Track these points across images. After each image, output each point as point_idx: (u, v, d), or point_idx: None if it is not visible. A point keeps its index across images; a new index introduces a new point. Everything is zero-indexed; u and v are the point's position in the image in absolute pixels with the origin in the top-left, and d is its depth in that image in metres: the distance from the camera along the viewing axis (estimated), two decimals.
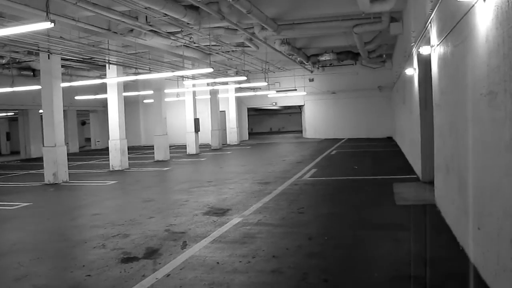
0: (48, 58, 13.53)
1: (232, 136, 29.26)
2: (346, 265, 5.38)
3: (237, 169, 15.54)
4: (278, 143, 29.48)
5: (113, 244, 6.54)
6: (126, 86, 27.96)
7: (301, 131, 41.87)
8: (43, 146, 14.04)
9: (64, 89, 23.09)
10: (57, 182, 13.60)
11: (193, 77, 21.28)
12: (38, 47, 13.17)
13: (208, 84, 23.42)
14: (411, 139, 13.96)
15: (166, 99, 27.19)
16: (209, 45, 17.24)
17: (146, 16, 13.29)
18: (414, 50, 11.22)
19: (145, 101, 29.28)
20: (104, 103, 32.00)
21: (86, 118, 35.66)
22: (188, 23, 13.90)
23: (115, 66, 16.30)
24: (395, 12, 15.18)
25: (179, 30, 15.03)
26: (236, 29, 16.59)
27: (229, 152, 23.21)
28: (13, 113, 28.84)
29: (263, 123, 45.78)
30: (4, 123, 33.39)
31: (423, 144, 10.83)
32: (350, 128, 29.76)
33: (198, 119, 22.69)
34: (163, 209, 9.02)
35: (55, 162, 13.67)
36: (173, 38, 15.56)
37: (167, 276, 5.13)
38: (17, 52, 17.40)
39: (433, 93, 8.42)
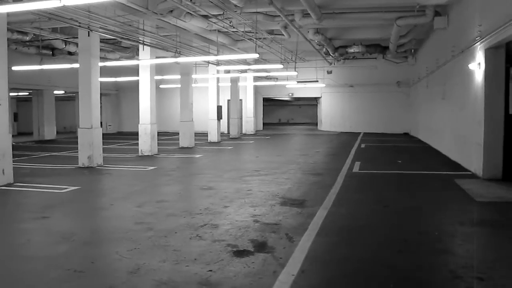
0: (88, 35, 12.85)
1: (249, 126, 28.75)
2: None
3: (275, 159, 15.05)
4: (295, 134, 29.06)
5: (208, 235, 6.02)
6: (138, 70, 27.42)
7: (310, 123, 41.72)
8: (79, 127, 13.40)
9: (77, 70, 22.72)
10: (92, 166, 13.00)
11: (218, 63, 20.72)
12: (79, 23, 12.50)
13: (225, 72, 22.89)
14: (457, 135, 13.56)
15: (175, 86, 26.76)
16: (244, 31, 16.65)
17: None
18: (479, 45, 10.79)
19: (161, 86, 28.58)
20: (117, 87, 31.50)
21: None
22: (236, 5, 13.36)
23: (148, 48, 15.66)
24: (439, 6, 14.78)
25: (221, 13, 14.44)
26: (274, 16, 16.12)
27: (251, 142, 22.71)
28: (27, 93, 28.00)
29: (272, 113, 45.19)
30: (12, 104, 32.49)
31: (486, 142, 10.43)
32: (366, 123, 29.41)
33: (221, 106, 22.15)
34: (232, 198, 8.49)
35: (91, 145, 13.07)
36: (212, 21, 14.98)
37: (302, 272, 4.64)
38: (41, 29, 16.72)
39: None
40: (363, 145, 19.66)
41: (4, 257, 5.26)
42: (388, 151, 17.82)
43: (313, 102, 40.04)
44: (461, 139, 13.12)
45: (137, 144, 17.10)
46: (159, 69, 26.29)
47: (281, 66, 18.42)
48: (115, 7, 13.50)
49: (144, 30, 15.11)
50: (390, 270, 4.78)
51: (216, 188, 9.53)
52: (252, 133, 29.05)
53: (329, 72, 29.25)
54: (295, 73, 21.99)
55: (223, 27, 15.67)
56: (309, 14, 15.41)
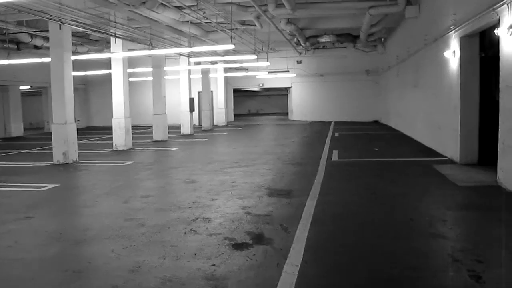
0: (60, 28, 12.47)
1: (220, 117, 28.60)
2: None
3: (252, 150, 15.00)
4: (267, 125, 29.07)
5: (202, 229, 5.95)
6: (107, 64, 26.89)
7: (280, 113, 41.84)
8: (52, 123, 13.03)
9: (44, 65, 22.05)
10: (67, 162, 12.68)
11: (189, 56, 20.52)
12: (50, 15, 12.12)
13: (195, 63, 22.65)
14: (431, 122, 13.82)
15: (145, 78, 26.40)
16: (217, 22, 16.51)
17: None
18: (454, 34, 10.99)
19: (131, 79, 28.03)
20: (84, 81, 30.82)
21: None
22: None
23: (120, 41, 15.33)
24: None
25: (195, 3, 14.25)
26: (248, 6, 16.03)
27: (225, 133, 22.58)
28: None
29: (242, 104, 45.05)
30: None
31: (463, 128, 10.66)
32: (336, 112, 29.68)
33: (193, 98, 21.93)
34: (218, 190, 8.42)
35: (66, 141, 12.74)
36: (185, 12, 14.77)
37: (305, 263, 4.63)
38: (6, 22, 16.14)
39: (503, 75, 8.13)
40: (337, 134, 19.82)
41: None
42: (363, 139, 18.01)
43: (282, 92, 40.13)
44: (435, 126, 13.36)
45: (109, 138, 16.76)
46: (129, 62, 25.93)
47: (254, 56, 18.33)
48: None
49: (115, 22, 14.80)
50: (391, 256, 4.82)
51: (199, 181, 9.44)
52: (224, 124, 28.93)
53: (299, 62, 29.33)
54: (267, 64, 21.97)
55: (196, 18, 15.48)
56: (282, 4, 15.38)
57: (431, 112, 13.90)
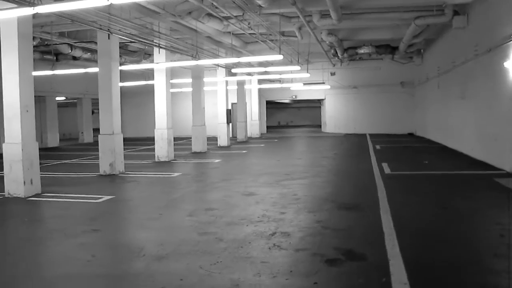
0: (108, 38, 12.42)
1: (254, 129, 28.40)
2: None
3: (297, 162, 14.75)
4: (302, 137, 28.77)
5: (285, 244, 5.66)
6: (141, 75, 26.96)
7: (310, 125, 41.53)
8: (100, 134, 12.92)
9: (80, 76, 22.11)
10: (114, 173, 12.54)
11: (230, 67, 20.40)
12: (100, 25, 12.07)
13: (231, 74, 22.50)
14: (485, 134, 13.37)
15: (181, 90, 26.35)
16: (259, 32, 16.34)
17: None
18: None
19: (172, 90, 28.12)
20: (88, 91, 30.81)
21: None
22: (260, 6, 13.06)
23: (163, 51, 15.24)
24: (458, 5, 14.63)
25: (241, 14, 14.09)
26: (291, 17, 15.86)
27: (262, 145, 22.34)
28: None
29: (271, 116, 44.80)
30: None
31: None
32: (370, 124, 29.27)
33: (230, 110, 21.77)
34: (282, 203, 8.13)
35: (113, 152, 12.60)
36: (231, 21, 14.63)
37: (413, 280, 4.31)
38: (48, 33, 16.21)
39: None
40: (378, 146, 19.40)
41: (78, 275, 4.81)
42: (406, 152, 17.62)
43: (312, 105, 39.86)
44: (489, 138, 12.91)
45: (145, 149, 16.62)
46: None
47: (298, 67, 18.10)
48: (131, 9, 13.16)
49: (159, 32, 14.72)
50: (497, 275, 4.48)
51: (259, 193, 9.17)
52: (258, 136, 28.71)
53: (333, 74, 29.06)
54: (307, 75, 21.72)
55: (240, 29, 15.32)
56: (327, 14, 15.18)
57: (484, 124, 13.44)
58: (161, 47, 14.95)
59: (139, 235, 6.40)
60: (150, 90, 28.83)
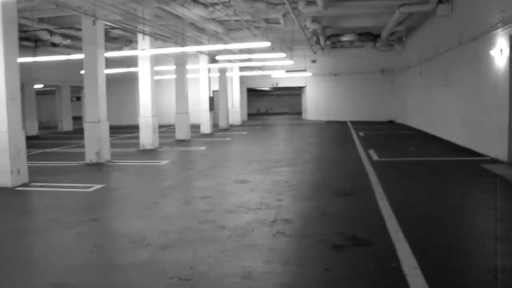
0: (93, 24, 12.16)
1: (236, 117, 28.31)
2: None
3: (283, 149, 14.75)
4: (284, 124, 28.79)
5: (289, 231, 5.65)
6: (121, 62, 26.51)
7: (290, 113, 41.60)
8: (84, 121, 12.70)
9: (58, 63, 21.58)
10: (100, 162, 12.35)
11: (208, 54, 20.24)
12: (85, 11, 11.79)
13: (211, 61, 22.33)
14: (468, 121, 13.55)
15: (162, 77, 26.03)
16: (244, 20, 16.21)
17: None
18: (502, 32, 10.75)
19: (157, 77, 27.76)
20: (67, 79, 30.23)
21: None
22: None
23: (148, 38, 15.00)
24: None
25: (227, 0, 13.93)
26: (276, 4, 15.76)
27: (245, 133, 22.28)
28: None
29: (251, 104, 44.63)
30: None
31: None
32: (351, 111, 29.45)
33: (212, 97, 21.63)
34: (277, 191, 8.12)
35: (99, 140, 12.40)
36: (216, 8, 14.46)
37: (423, 264, 4.35)
38: (28, 19, 15.78)
39: None
40: (361, 133, 19.53)
41: (84, 266, 4.71)
42: (390, 139, 17.83)
43: (292, 92, 39.89)
44: (473, 125, 13.10)
45: (129, 137, 16.40)
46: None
47: (284, 55, 18.04)
48: None
49: (144, 18, 14.47)
50: (502, 259, 4.56)
51: (251, 181, 9.15)
52: (239, 124, 28.65)
53: (314, 61, 29.07)
54: (291, 62, 21.68)
55: (226, 15, 15.16)
56: (313, 1, 15.15)
57: (468, 111, 13.63)
58: (145, 34, 14.72)
59: (137, 224, 6.30)
60: (129, 77, 28.63)
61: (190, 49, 15.29)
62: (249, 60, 23.73)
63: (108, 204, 7.70)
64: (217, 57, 19.33)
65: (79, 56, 17.07)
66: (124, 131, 23.04)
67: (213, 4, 13.77)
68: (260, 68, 28.09)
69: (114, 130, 23.52)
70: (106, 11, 12.53)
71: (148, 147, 15.38)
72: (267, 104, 46.25)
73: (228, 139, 18.90)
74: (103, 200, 8.03)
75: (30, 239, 5.76)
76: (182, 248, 5.15)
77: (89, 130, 12.49)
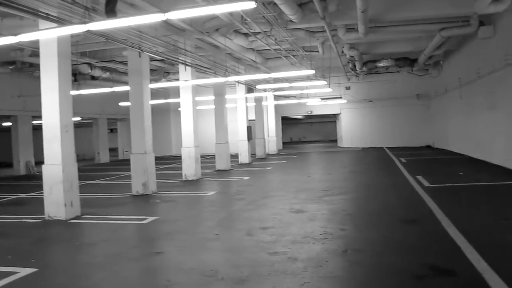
0: (139, 56, 12.32)
1: (271, 146, 28.19)
2: None
3: (329, 177, 14.52)
4: (320, 152, 28.57)
5: (364, 261, 5.47)
6: (156, 93, 26.77)
7: (323, 141, 41.38)
8: (131, 153, 12.75)
9: (95, 96, 21.82)
10: (147, 193, 12.33)
11: (246, 83, 20.33)
12: (132, 43, 11.96)
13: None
14: None
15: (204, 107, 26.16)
16: (285, 49, 16.27)
17: (242, 15, 12.27)
18: None
19: (179, 109, 28.02)
20: (104, 111, 30.64)
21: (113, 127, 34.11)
22: (291, 21, 12.98)
23: (189, 68, 15.14)
24: (484, 15, 14.53)
25: (269, 29, 13.98)
26: (315, 31, 15.79)
27: (283, 161, 22.10)
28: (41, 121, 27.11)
29: (284, 132, 44.69)
30: None
31: None
32: (387, 137, 29.12)
33: (250, 127, 21.63)
34: (337, 220, 7.94)
35: (145, 171, 12.41)
36: (257, 37, 14.53)
37: None
38: (72, 53, 16.14)
39: None
40: (402, 159, 19.17)
41: None
42: (434, 164, 17.46)
43: (324, 119, 39.74)
44: None
45: (169, 168, 16.34)
46: (174, 92, 25.91)
47: (325, 82, 18.00)
48: (159, 27, 13.05)
49: (185, 50, 14.62)
50: None
51: (307, 210, 8.95)
52: (275, 152, 28.53)
53: (348, 88, 28.96)
54: (329, 90, 21.62)
55: (266, 44, 15.23)
56: (352, 28, 15.15)
57: None
58: (187, 65, 14.83)
59: (204, 256, 6.16)
60: (162, 108, 28.97)
61: (233, 79, 15.42)
62: (289, 88, 23.70)
63: (167, 236, 7.57)
64: (258, 86, 19.35)
65: (122, 88, 17.43)
66: (162, 162, 23.14)
67: (255, 34, 13.81)
68: (294, 96, 28.10)
69: None
70: (151, 43, 12.69)
71: (190, 178, 15.34)
72: (300, 132, 46.12)
73: (269, 168, 18.74)
74: (160, 232, 7.93)
75: (99, 274, 5.64)
76: (260, 282, 4.98)
77: (135, 162, 12.52)
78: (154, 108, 26.19)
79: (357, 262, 5.41)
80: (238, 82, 19.72)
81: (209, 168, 18.94)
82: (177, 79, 19.26)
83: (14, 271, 5.68)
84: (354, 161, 20.63)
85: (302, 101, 27.02)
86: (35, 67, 19.34)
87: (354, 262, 5.42)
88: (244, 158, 21.26)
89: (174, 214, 9.78)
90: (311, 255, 5.78)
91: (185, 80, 14.90)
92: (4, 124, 27.70)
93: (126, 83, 21.95)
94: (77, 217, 9.33)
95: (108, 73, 20.20)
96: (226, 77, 14.20)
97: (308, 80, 19.58)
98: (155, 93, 27.62)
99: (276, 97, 28.56)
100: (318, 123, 44.08)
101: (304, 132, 46.08)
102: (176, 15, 7.10)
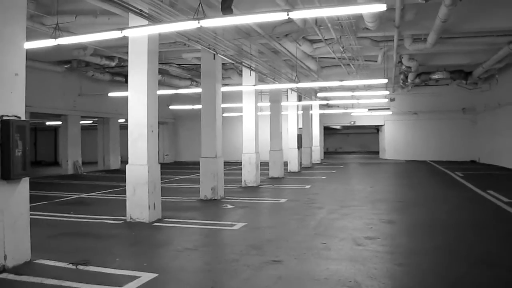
0: (214, 58, 12.21)
1: (315, 155, 27.87)
2: None
3: (393, 189, 14.32)
4: (365, 164, 28.12)
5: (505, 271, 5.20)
6: (190, 98, 26.60)
7: (360, 152, 40.95)
8: (201, 157, 12.60)
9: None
10: (215, 198, 12.16)
11: (298, 90, 20.18)
12: (209, 45, 11.83)
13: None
14: None
15: (233, 114, 26.01)
16: (348, 57, 16.09)
17: (316, 20, 12.12)
18: None
19: (224, 114, 27.93)
20: (174, 115, 30.85)
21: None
22: (367, 28, 12.78)
23: (253, 73, 15.00)
24: None
25: (339, 36, 13.80)
26: (379, 41, 15.58)
27: (334, 171, 21.80)
28: (91, 122, 27.40)
29: None
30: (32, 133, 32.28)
31: None
32: (431, 150, 28.65)
33: (300, 135, 21.42)
34: (441, 229, 7.77)
35: (215, 176, 12.25)
36: (325, 43, 14.34)
37: None
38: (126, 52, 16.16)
39: None
40: (459, 173, 18.73)
41: None
42: (497, 178, 17.06)
43: (361, 131, 39.35)
44: None
45: None
46: (224, 97, 25.76)
47: (387, 92, 17.74)
48: (229, 29, 12.93)
49: (251, 54, 14.49)
50: None
51: (396, 221, 8.77)
52: (319, 162, 28.26)
53: (392, 100, 28.58)
54: (385, 100, 21.36)
55: (332, 51, 15.05)
56: (419, 39, 14.92)
57: None
58: (251, 69, 14.70)
59: (327, 266, 5.89)
60: (195, 114, 28.78)
61: (303, 85, 15.45)
62: (351, 97, 23.45)
63: (271, 244, 7.25)
64: (319, 94, 19.17)
65: (185, 91, 17.31)
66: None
67: (326, 40, 13.61)
68: (337, 106, 27.87)
69: (192, 166, 23.50)
70: (224, 46, 12.58)
71: (250, 184, 15.16)
72: (337, 142, 45.69)
73: (323, 177, 18.45)
74: (259, 239, 7.64)
75: (232, 282, 5.41)
76: None
77: (205, 166, 12.37)
78: (191, 113, 26.13)
79: (498, 276, 5.13)
80: (292, 89, 19.57)
81: (262, 175, 18.72)
82: (226, 84, 19.23)
83: (134, 275, 5.51)
84: (406, 173, 20.29)
85: (348, 111, 26.74)
86: (91, 66, 19.49)
87: (497, 275, 5.14)
88: (293, 166, 21.05)
89: (261, 221, 9.62)
90: (437, 269, 5.55)
91: (253, 85, 14.75)
92: (49, 123, 27.97)
93: (175, 86, 22.03)
94: (158, 220, 9.20)
95: (160, 75, 20.18)
96: (296, 83, 13.99)
97: (369, 90, 19.31)
98: (198, 98, 27.61)
99: (321, 106, 28.35)
100: (354, 134, 43.70)
101: (340, 143, 45.67)
102: (299, 14, 6.96)
